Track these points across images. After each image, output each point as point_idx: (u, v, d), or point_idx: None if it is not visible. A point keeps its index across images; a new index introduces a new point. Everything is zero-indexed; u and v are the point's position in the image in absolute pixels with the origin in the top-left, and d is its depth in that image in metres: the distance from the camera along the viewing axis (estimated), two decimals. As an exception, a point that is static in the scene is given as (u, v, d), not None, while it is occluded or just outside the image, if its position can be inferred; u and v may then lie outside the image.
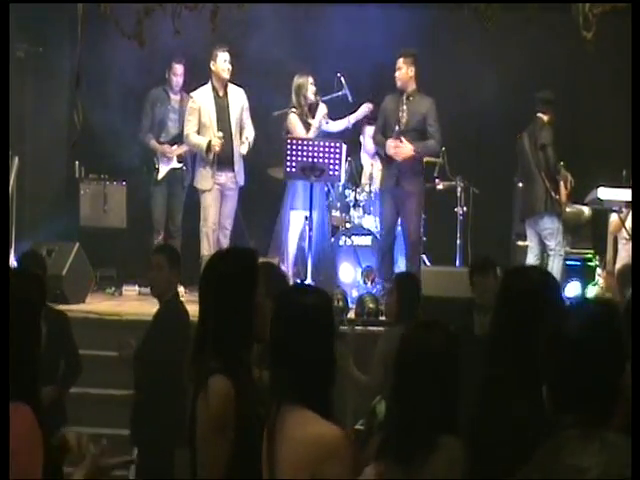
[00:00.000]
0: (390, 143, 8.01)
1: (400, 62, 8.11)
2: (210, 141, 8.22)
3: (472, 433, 2.78)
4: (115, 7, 6.90)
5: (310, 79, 8.31)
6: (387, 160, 8.21)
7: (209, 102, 8.38)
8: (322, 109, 8.36)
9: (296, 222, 8.30)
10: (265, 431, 2.63)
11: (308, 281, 7.83)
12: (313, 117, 8.38)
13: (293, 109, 8.30)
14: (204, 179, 8.38)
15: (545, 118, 8.30)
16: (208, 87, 8.42)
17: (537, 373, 2.55)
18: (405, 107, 8.07)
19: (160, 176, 8.90)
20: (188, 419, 3.05)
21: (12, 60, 7.82)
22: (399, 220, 8.15)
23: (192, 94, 8.46)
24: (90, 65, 8.05)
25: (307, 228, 8.03)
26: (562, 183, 8.30)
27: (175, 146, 8.92)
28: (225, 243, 8.43)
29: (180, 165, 8.94)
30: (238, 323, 3.00)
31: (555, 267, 8.15)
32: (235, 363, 2.96)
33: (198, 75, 8.84)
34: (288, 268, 8.17)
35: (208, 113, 8.36)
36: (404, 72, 8.10)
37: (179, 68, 8.89)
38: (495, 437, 2.64)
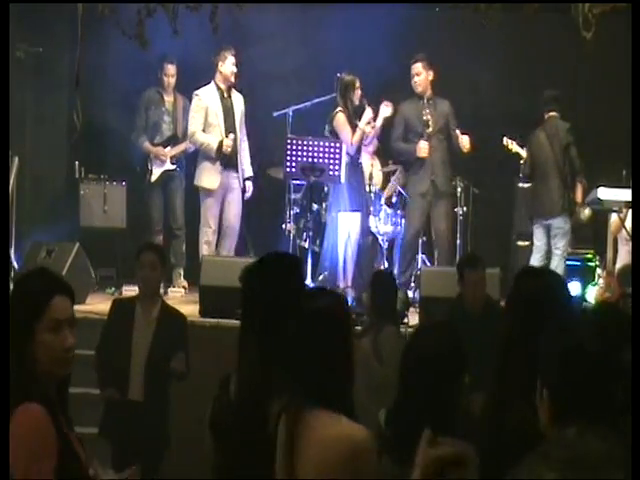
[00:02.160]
0: (423, 145, 8.06)
1: (419, 68, 8.15)
2: (222, 142, 8.24)
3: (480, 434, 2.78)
4: (116, 7, 6.90)
5: (357, 81, 8.07)
6: (416, 163, 8.21)
7: (215, 101, 8.38)
8: (368, 113, 8.04)
9: (344, 223, 8.03)
10: (278, 433, 2.61)
11: (307, 282, 7.83)
12: (359, 120, 8.06)
13: (340, 109, 8.05)
14: (209, 178, 8.38)
15: (558, 116, 8.31)
16: (212, 87, 8.42)
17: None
18: (428, 110, 8.14)
19: (154, 178, 8.89)
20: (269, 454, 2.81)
21: (12, 60, 7.82)
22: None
23: (197, 92, 8.44)
24: (90, 65, 8.05)
25: (308, 227, 8.02)
26: (579, 184, 8.30)
27: (169, 148, 8.90)
28: (232, 243, 8.43)
29: (174, 167, 8.91)
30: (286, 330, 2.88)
31: (559, 268, 8.14)
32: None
33: (199, 76, 8.85)
34: (339, 272, 7.96)
35: (215, 112, 8.37)
36: (424, 77, 8.16)
37: (171, 69, 8.86)
38: (504, 439, 2.64)
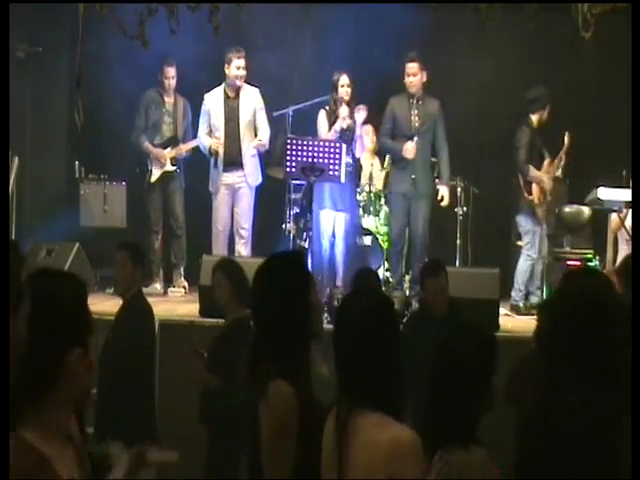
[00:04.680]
0: (409, 147, 8.05)
1: (415, 68, 8.06)
2: (211, 145, 8.30)
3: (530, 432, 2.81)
4: (118, 7, 6.90)
5: (343, 78, 8.09)
6: (399, 162, 8.23)
7: (219, 104, 8.43)
8: (343, 111, 8.05)
9: (326, 221, 8.14)
10: (331, 433, 2.63)
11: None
12: (351, 118, 8.13)
13: (326, 107, 8.20)
14: (212, 181, 8.50)
15: (534, 117, 8.37)
16: (221, 88, 8.48)
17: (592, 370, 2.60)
18: (416, 111, 8.12)
19: (153, 179, 8.88)
20: (250, 424, 2.99)
21: (12, 60, 7.83)
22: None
23: (205, 96, 8.52)
24: (90, 65, 8.05)
25: (310, 228, 8.03)
26: (535, 185, 8.34)
27: (168, 149, 8.89)
28: (243, 243, 8.42)
29: (173, 168, 8.89)
30: (295, 323, 2.98)
31: (519, 266, 8.35)
32: (295, 365, 2.95)
33: (200, 76, 8.85)
34: (323, 268, 8.01)
35: (216, 116, 8.42)
36: (419, 78, 8.09)
37: (171, 71, 8.84)
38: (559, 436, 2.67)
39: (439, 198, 8.20)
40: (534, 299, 8.43)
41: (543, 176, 8.36)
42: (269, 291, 3.04)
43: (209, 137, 8.47)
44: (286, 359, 2.92)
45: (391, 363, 2.59)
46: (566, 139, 8.35)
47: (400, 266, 8.35)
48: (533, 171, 8.34)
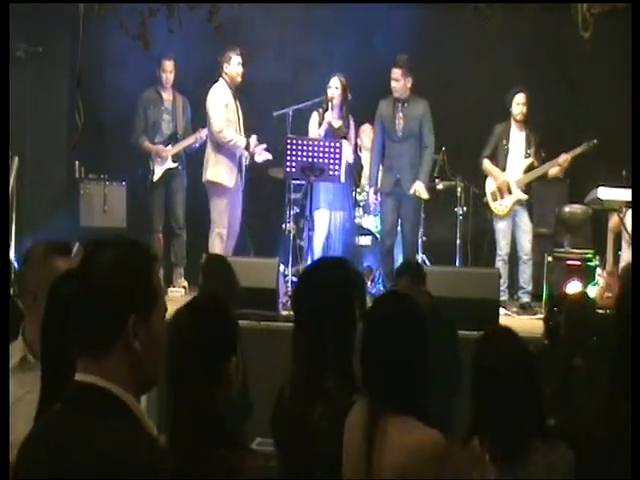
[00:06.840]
0: (391, 150, 8.15)
1: (398, 74, 8.09)
2: (249, 142, 8.25)
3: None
4: (119, 7, 6.90)
5: (333, 80, 8.23)
6: (386, 164, 8.28)
7: (231, 99, 8.38)
8: (327, 115, 8.22)
9: (320, 221, 8.21)
10: (357, 431, 2.62)
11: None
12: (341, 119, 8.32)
13: (319, 109, 8.32)
14: (229, 176, 8.31)
15: (511, 117, 8.41)
16: (224, 85, 8.38)
17: None
18: (401, 114, 8.16)
19: (156, 177, 8.87)
20: (320, 448, 2.83)
21: (12, 60, 7.82)
22: (399, 221, 8.25)
23: (214, 89, 8.36)
24: (90, 65, 8.05)
25: (307, 228, 8.04)
26: (491, 180, 8.45)
27: (169, 146, 8.89)
28: (232, 242, 8.42)
29: (175, 165, 8.88)
30: (351, 335, 2.86)
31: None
32: (354, 379, 2.84)
33: (200, 75, 8.85)
34: None
35: (232, 110, 8.37)
36: (402, 84, 8.13)
37: (169, 65, 8.83)
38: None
39: (412, 192, 8.15)
40: (524, 299, 8.41)
41: (493, 170, 8.40)
42: (327, 300, 2.88)
43: (231, 131, 8.35)
44: (351, 374, 2.83)
45: (419, 366, 2.59)
46: (561, 159, 8.32)
47: (389, 265, 8.30)
48: (485, 164, 8.46)
